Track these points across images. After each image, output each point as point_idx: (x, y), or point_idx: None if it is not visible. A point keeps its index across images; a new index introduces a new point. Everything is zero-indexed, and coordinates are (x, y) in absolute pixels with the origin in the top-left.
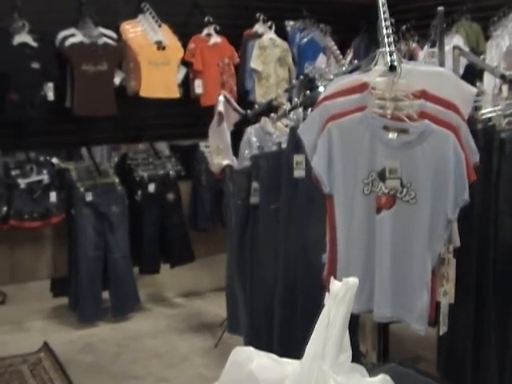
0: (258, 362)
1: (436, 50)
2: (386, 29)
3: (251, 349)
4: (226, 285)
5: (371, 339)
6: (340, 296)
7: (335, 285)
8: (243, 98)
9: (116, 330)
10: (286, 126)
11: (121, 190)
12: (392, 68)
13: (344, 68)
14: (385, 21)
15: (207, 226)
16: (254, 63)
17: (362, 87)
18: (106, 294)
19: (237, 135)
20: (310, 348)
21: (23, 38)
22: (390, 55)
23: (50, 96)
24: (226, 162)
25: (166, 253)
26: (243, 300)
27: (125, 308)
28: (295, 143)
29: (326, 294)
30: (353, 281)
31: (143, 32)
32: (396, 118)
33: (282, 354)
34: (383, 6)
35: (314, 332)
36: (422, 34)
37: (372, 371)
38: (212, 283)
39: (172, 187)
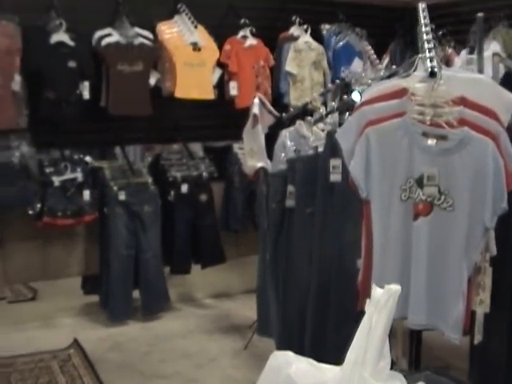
0: (296, 366)
1: (475, 56)
2: (427, 34)
3: (290, 353)
4: (257, 287)
5: (402, 346)
6: (382, 303)
7: (377, 291)
8: (277, 100)
9: (146, 329)
10: (323, 130)
11: (154, 190)
12: (432, 74)
13: (381, 73)
14: (425, 26)
15: (239, 228)
16: (289, 66)
17: (401, 93)
18: (136, 293)
19: (271, 138)
20: (351, 354)
21: (60, 36)
22: (431, 61)
23: (86, 95)
24: (259, 165)
25: (198, 253)
26: (275, 303)
27: (155, 307)
28: (332, 147)
29: (367, 300)
30: (395, 288)
31: (179, 33)
32: (435, 125)
33: (313, 359)
34: (423, 11)
35: (354, 338)
36: (457, 40)
37: (407, 378)
38: (242, 285)
39: (205, 188)
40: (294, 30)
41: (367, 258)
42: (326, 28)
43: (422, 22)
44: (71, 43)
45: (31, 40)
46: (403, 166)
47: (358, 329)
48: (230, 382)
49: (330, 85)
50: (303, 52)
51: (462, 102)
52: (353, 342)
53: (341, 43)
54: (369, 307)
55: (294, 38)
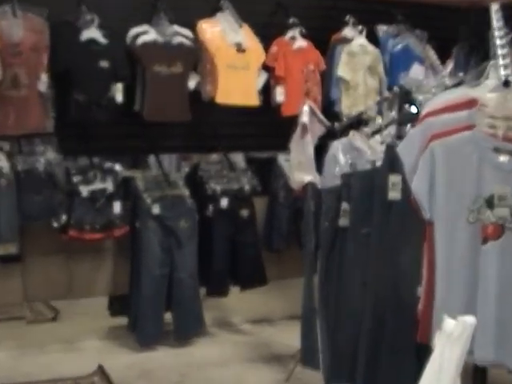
0: None
1: None
2: (500, 39)
3: None
4: (302, 313)
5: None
6: (455, 337)
7: (449, 323)
8: (328, 108)
9: (178, 355)
10: (382, 142)
11: (191, 204)
12: (507, 83)
13: (446, 80)
14: (498, 30)
15: (282, 247)
16: (342, 71)
17: (471, 104)
18: (168, 316)
19: (320, 150)
20: None
21: (91, 33)
22: (505, 69)
23: (119, 98)
24: (308, 179)
25: (236, 274)
26: (325, 331)
27: (188, 332)
28: (391, 162)
29: (437, 332)
30: (470, 320)
31: (222, 32)
32: (508, 140)
33: None
34: (496, 12)
35: (423, 376)
36: None
37: None
38: (284, 310)
39: (246, 203)
40: (348, 32)
41: (429, 286)
42: (382, 29)
43: (495, 25)
44: (103, 41)
45: (60, 36)
46: (472, 185)
47: (428, 365)
48: None
49: (386, 92)
50: (357, 56)
51: None
52: (421, 379)
53: (399, 46)
54: (439, 340)
55: (348, 40)
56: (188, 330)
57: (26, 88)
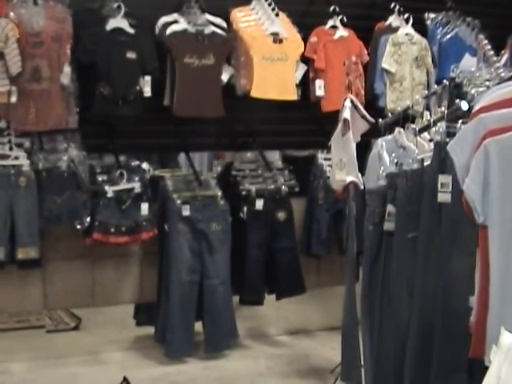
0: None
1: None
2: None
3: None
4: (343, 323)
5: None
6: None
7: (506, 337)
8: (372, 103)
9: (208, 368)
10: (431, 140)
11: (223, 205)
12: None
13: (501, 72)
14: None
15: (322, 252)
16: (387, 63)
17: None
18: (198, 326)
19: (363, 148)
20: None
21: (118, 22)
22: None
23: (147, 92)
24: (349, 179)
25: (272, 281)
26: (368, 345)
27: (220, 344)
28: (441, 161)
29: (493, 347)
30: None
31: (257, 21)
32: None
33: None
34: None
35: None
36: None
37: None
38: (323, 320)
39: (283, 204)
40: (393, 20)
41: (482, 296)
42: (430, 17)
43: None
44: (131, 30)
45: (84, 25)
46: None
47: (484, 383)
48: None
49: (435, 86)
50: (403, 46)
51: None
52: None
53: (448, 36)
54: (496, 356)
55: (393, 30)
56: (220, 341)
57: (48, 81)
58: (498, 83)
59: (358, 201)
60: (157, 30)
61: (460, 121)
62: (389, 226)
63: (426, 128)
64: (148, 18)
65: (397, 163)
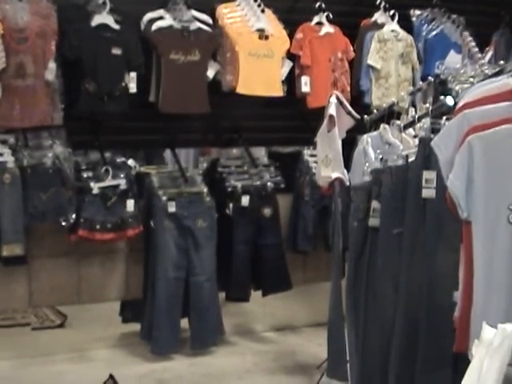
0: None
1: None
2: None
3: None
4: (329, 320)
5: None
6: (495, 346)
7: (488, 331)
8: (357, 99)
9: (195, 365)
10: (415, 136)
11: (209, 202)
12: None
13: (485, 69)
14: None
15: (308, 249)
16: (372, 59)
17: None
18: (185, 323)
19: (348, 144)
20: None
21: (103, 18)
22: None
23: (132, 88)
24: (335, 175)
25: (258, 278)
26: (354, 340)
27: (206, 340)
28: (425, 157)
29: (475, 341)
30: (511, 328)
31: (243, 18)
32: None
33: None
34: None
35: None
36: None
37: None
38: (310, 316)
39: (269, 201)
40: (379, 17)
41: (466, 291)
42: (416, 14)
43: None
44: (116, 26)
45: (69, 21)
46: None
47: (465, 376)
48: None
49: (420, 82)
50: (389, 43)
51: None
52: None
53: (434, 33)
54: (478, 350)
55: (379, 26)
56: (206, 338)
57: (33, 77)
58: (482, 80)
59: (344, 197)
60: (142, 26)
61: (444, 117)
62: (374, 222)
63: (411, 124)
64: (133, 14)
65: (381, 159)
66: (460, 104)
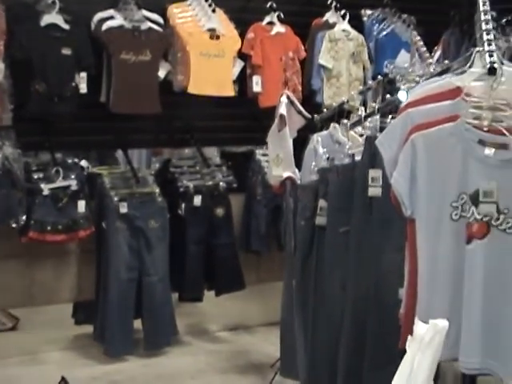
0: None
1: None
2: (486, 23)
3: None
4: (281, 319)
5: None
6: (426, 341)
7: (420, 327)
8: (309, 99)
9: (148, 366)
10: (361, 135)
11: (161, 202)
12: (491, 71)
13: (432, 68)
14: (484, 13)
15: (261, 248)
16: (323, 59)
17: (454, 93)
18: (138, 324)
19: (300, 143)
20: None
21: (52, 18)
22: (490, 56)
23: (83, 88)
24: (286, 174)
25: (211, 278)
26: (303, 338)
27: (160, 341)
28: (371, 156)
29: (409, 337)
30: (442, 324)
31: (194, 17)
32: (494, 131)
33: None
34: None
35: (393, 382)
36: None
37: None
38: (263, 316)
39: (222, 201)
40: (330, 16)
41: (411, 287)
42: (367, 14)
43: (481, 8)
44: (66, 26)
45: (18, 21)
46: (455, 180)
47: (398, 371)
48: None
49: (370, 81)
50: (340, 42)
51: None
52: None
53: (384, 32)
54: (411, 345)
55: (330, 26)
56: (159, 338)
57: None
58: (428, 78)
59: (295, 196)
60: (92, 26)
61: (390, 116)
62: (321, 220)
63: (358, 123)
64: (83, 14)
65: (328, 158)
66: (404, 103)
